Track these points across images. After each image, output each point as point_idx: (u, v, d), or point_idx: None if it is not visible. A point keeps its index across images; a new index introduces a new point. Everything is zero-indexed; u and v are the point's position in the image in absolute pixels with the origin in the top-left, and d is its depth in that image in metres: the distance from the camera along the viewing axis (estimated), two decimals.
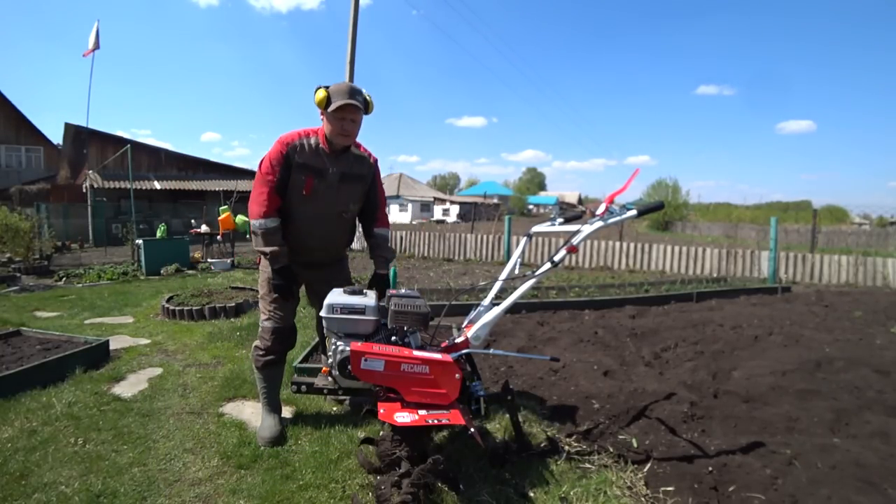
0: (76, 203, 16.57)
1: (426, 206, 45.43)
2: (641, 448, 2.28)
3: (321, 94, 2.17)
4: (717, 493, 1.94)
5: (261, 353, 2.43)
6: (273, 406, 2.47)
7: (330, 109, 2.17)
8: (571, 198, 64.41)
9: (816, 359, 3.40)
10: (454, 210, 44.55)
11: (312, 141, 2.29)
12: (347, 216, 2.42)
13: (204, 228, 10.47)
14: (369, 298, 2.07)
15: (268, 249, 2.25)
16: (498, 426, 2.49)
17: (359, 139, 2.40)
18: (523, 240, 2.54)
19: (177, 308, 4.93)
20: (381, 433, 1.93)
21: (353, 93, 2.17)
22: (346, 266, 2.67)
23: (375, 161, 2.48)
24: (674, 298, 6.09)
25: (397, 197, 44.59)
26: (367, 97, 2.26)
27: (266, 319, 2.43)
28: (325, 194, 2.30)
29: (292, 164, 2.24)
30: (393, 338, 2.03)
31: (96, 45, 14.37)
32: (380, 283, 2.50)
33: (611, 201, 2.13)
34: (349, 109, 2.17)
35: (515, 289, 2.18)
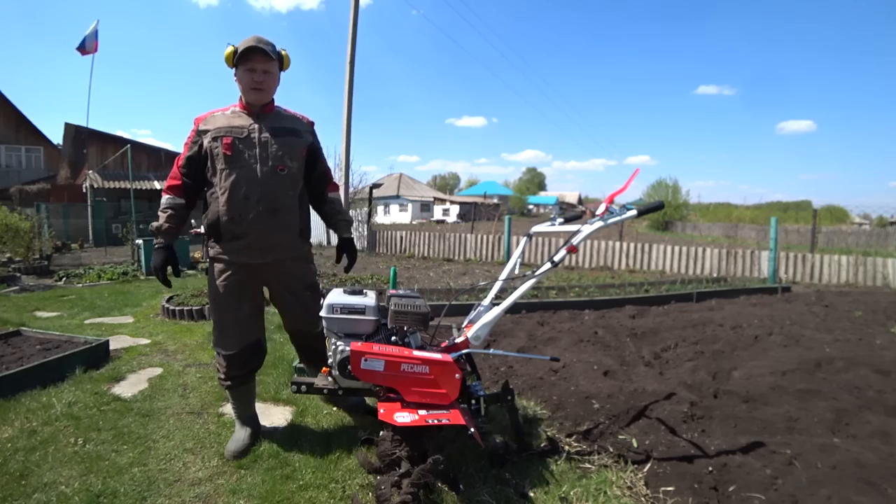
0: (76, 203, 16.54)
1: (426, 206, 45.43)
2: (641, 448, 2.28)
3: (229, 49, 2.04)
4: (717, 493, 1.94)
5: (220, 376, 2.25)
6: (244, 419, 2.31)
7: (236, 60, 2.05)
8: (571, 198, 64.36)
9: (816, 359, 3.40)
10: (454, 210, 44.53)
11: (228, 111, 2.16)
12: (285, 173, 2.12)
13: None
14: (369, 298, 2.07)
15: (155, 224, 2.17)
16: (498, 426, 2.49)
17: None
18: (523, 240, 2.54)
19: (177, 308, 4.93)
20: (381, 433, 1.93)
21: (259, 40, 2.04)
22: (311, 269, 2.37)
23: (312, 123, 2.32)
24: (674, 298, 6.09)
25: (397, 197, 44.57)
26: (283, 52, 2.14)
27: (215, 344, 2.21)
28: (251, 150, 2.08)
29: (206, 137, 2.10)
30: (393, 338, 2.04)
31: (95, 48, 14.32)
32: (348, 248, 2.42)
33: (611, 201, 2.13)
34: (257, 59, 2.03)
35: (515, 289, 2.19)
